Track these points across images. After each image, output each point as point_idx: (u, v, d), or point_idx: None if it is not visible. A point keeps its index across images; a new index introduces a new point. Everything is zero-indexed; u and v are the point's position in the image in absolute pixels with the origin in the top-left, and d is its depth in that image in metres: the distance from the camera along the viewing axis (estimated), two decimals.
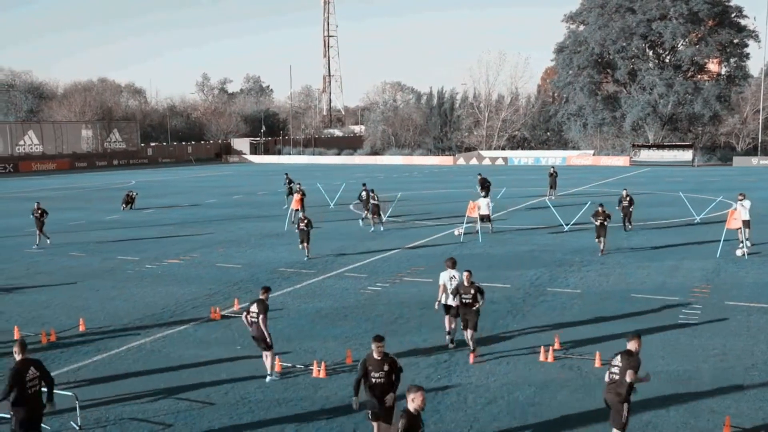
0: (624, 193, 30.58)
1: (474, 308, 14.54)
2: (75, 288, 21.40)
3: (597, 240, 25.52)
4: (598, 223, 25.21)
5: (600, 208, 25.73)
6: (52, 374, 13.89)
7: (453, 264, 15.60)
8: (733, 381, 13.22)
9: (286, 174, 43.75)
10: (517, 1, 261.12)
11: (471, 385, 13.24)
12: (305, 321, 17.55)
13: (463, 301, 14.63)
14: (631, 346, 10.46)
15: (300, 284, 21.45)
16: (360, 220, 33.65)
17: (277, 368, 14.12)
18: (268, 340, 13.46)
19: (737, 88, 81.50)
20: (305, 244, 25.10)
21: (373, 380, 10.19)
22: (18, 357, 10.04)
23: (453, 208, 38.14)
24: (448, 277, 15.28)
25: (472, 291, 14.58)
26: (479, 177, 42.35)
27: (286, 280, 22.13)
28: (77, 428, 11.56)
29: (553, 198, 42.85)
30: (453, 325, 15.31)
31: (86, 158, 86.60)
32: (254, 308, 13.61)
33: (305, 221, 25.10)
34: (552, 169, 45.55)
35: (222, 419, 11.98)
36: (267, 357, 13.70)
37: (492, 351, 15.17)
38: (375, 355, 10.26)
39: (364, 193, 34.20)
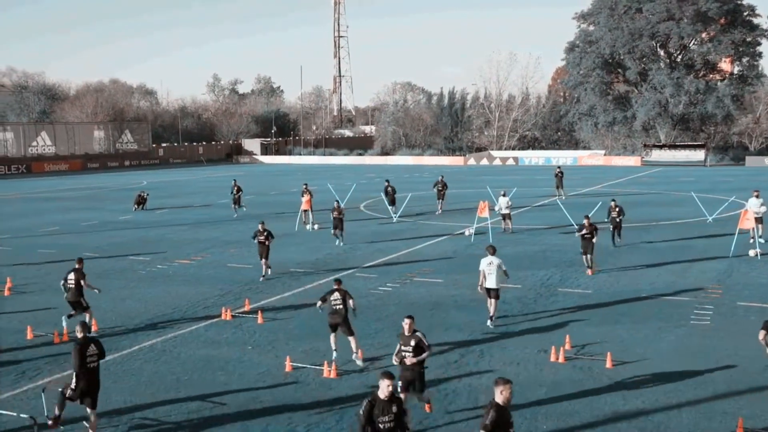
0: (612, 203, 26.74)
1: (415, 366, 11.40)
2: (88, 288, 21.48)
3: (583, 255, 22.60)
4: (583, 234, 22.31)
5: (613, 203, 26.22)
6: (66, 373, 14.04)
7: (494, 251, 17.00)
8: (745, 383, 13.14)
9: (234, 180, 40.05)
10: (528, 1, 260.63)
11: (482, 386, 13.21)
12: (316, 321, 17.54)
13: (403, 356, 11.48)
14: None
15: (310, 284, 21.49)
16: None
17: (288, 368, 14.17)
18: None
19: (750, 87, 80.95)
20: (264, 260, 22.06)
21: (381, 425, 8.64)
22: (79, 335, 11.26)
23: (463, 209, 38.09)
24: (486, 263, 16.61)
25: (413, 342, 11.40)
26: (387, 184, 38.91)
27: (297, 280, 22.17)
28: (88, 427, 11.60)
29: (563, 198, 42.71)
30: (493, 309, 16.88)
31: (98, 159, 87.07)
32: (336, 296, 14.33)
33: (264, 233, 21.88)
34: (558, 169, 45.45)
35: (233, 419, 12.01)
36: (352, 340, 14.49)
37: (503, 351, 15.14)
38: (382, 395, 8.70)
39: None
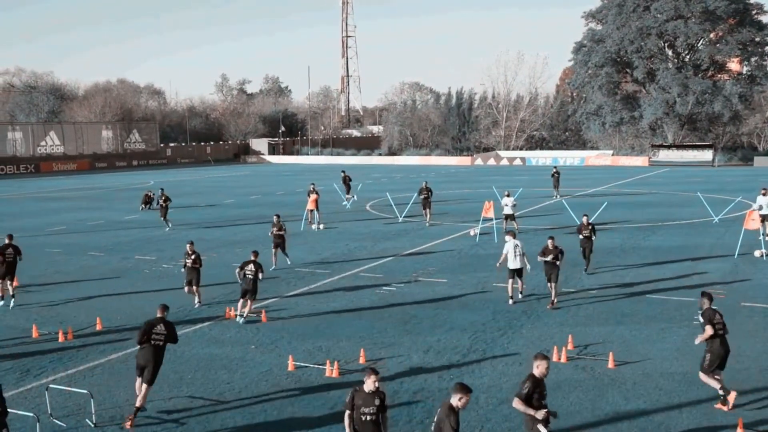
0: (584, 220, 22.47)
1: None
2: (93, 287, 21.64)
3: (548, 283, 18.81)
4: (547, 259, 18.59)
5: (584, 218, 22.39)
6: (70, 372, 14.15)
7: (514, 235, 19.58)
8: (747, 383, 13.13)
9: (161, 190, 36.64)
10: (536, 2, 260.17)
11: (483, 386, 13.25)
12: (319, 320, 17.64)
13: None
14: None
15: (315, 284, 21.55)
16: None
17: (290, 367, 14.24)
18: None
19: (759, 87, 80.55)
20: (194, 287, 19.10)
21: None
22: (159, 314, 12.26)
23: (469, 209, 38.10)
24: (512, 246, 18.81)
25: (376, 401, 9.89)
26: (342, 173, 43.17)
27: (302, 279, 22.24)
28: (92, 426, 11.71)
29: (558, 198, 42.64)
30: (512, 291, 19.03)
31: (106, 158, 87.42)
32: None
33: (192, 256, 18.96)
34: (555, 169, 45.46)
35: (235, 418, 12.08)
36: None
37: (505, 351, 15.17)
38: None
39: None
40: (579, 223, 23.06)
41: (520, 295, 19.26)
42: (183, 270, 19.74)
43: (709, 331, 11.90)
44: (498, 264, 19.72)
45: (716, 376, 12.07)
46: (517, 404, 9.35)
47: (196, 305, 18.94)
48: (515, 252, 18.68)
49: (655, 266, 23.34)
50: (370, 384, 9.09)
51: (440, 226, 33.15)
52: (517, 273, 18.87)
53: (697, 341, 12.29)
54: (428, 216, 33.78)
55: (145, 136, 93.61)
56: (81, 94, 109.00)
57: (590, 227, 22.01)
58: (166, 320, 12.36)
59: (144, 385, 11.93)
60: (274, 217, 23.93)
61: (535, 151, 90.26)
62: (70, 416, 12.07)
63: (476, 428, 11.59)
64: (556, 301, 18.62)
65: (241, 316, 17.59)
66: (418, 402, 12.63)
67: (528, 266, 18.99)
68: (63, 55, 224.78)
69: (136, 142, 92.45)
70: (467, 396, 8.45)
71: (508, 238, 19.25)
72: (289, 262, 23.83)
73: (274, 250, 23.69)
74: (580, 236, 22.45)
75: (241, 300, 17.65)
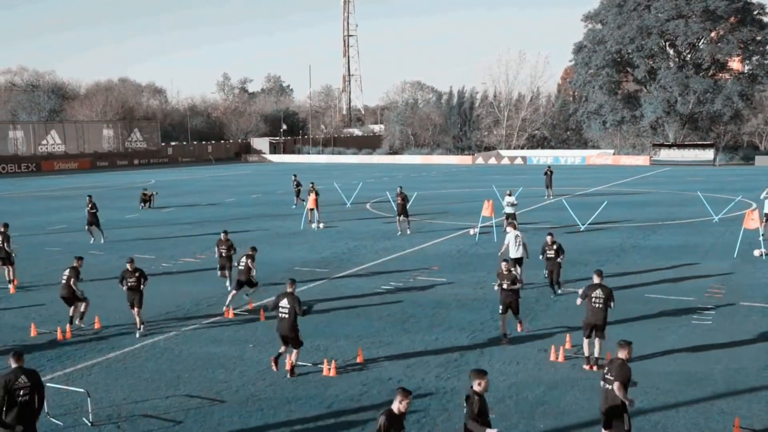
0: (548, 238, 19.86)
1: None
2: (92, 286, 21.62)
3: (501, 313, 15.84)
4: (501, 286, 15.70)
5: (549, 237, 19.60)
6: (67, 370, 14.18)
7: (515, 226, 21.17)
8: (745, 382, 13.13)
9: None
10: (538, 2, 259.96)
11: None
12: (318, 319, 17.62)
13: None
14: (622, 354, 10.17)
15: (314, 283, 21.57)
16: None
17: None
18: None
19: (760, 86, 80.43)
20: (136, 309, 16.66)
21: None
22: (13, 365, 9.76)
23: (469, 208, 38.09)
24: (513, 237, 20.13)
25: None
26: (293, 178, 41.95)
27: (300, 279, 22.21)
28: (89, 424, 11.73)
29: (551, 197, 42.57)
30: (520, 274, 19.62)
31: (107, 157, 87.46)
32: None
33: (135, 274, 16.54)
34: (547, 168, 45.42)
35: (232, 417, 12.09)
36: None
37: (503, 351, 15.17)
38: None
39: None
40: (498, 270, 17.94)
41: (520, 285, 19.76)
42: (216, 257, 20.73)
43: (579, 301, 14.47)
44: (500, 254, 20.46)
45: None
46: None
47: (137, 331, 16.61)
48: (516, 242, 20.06)
49: (654, 266, 23.33)
50: (403, 407, 8.49)
51: (440, 225, 33.14)
52: (518, 262, 19.99)
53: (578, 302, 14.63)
54: (406, 224, 30.36)
55: (146, 135, 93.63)
56: (82, 93, 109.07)
57: (555, 246, 19.24)
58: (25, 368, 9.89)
59: None
60: (222, 233, 20.84)
61: (536, 150, 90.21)
62: (68, 414, 12.09)
63: None
64: (559, 291, 19.55)
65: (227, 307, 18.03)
66: (415, 401, 12.61)
67: (528, 257, 20.36)
68: (65, 54, 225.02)
69: (138, 141, 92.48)
70: (485, 380, 9.13)
71: (509, 229, 20.96)
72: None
73: (220, 272, 20.30)
74: (542, 257, 19.81)
75: (235, 292, 18.35)
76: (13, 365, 9.69)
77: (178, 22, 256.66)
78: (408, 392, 8.57)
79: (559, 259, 19.27)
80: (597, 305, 13.96)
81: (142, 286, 16.58)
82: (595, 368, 13.81)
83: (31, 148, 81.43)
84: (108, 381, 13.74)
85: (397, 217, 30.60)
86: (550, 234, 19.92)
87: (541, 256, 20.03)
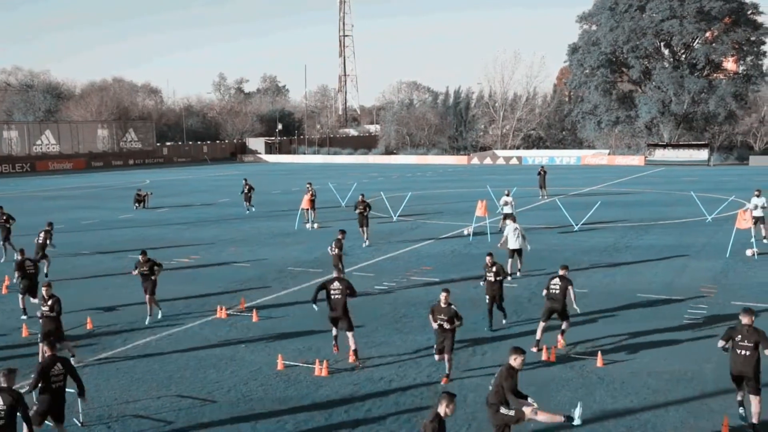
0: (488, 259, 16.94)
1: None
2: (85, 286, 21.65)
3: (436, 353, 13.90)
4: (435, 326, 13.58)
5: (488, 258, 16.92)
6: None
7: (514, 219, 22.71)
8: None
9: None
10: (534, 2, 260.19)
11: (471, 384, 13.28)
12: (310, 320, 17.59)
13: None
14: (747, 320, 11.06)
15: (307, 283, 21.55)
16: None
17: (280, 366, 14.26)
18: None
19: (754, 86, 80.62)
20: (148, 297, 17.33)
21: None
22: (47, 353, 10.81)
23: (464, 208, 38.12)
24: (512, 228, 21.37)
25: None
26: (245, 183, 39.92)
27: (294, 278, 22.26)
28: (79, 425, 11.72)
29: (546, 198, 42.61)
30: (513, 267, 21.16)
31: (102, 158, 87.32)
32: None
33: (49, 301, 14.30)
34: (541, 168, 45.47)
35: (223, 416, 12.09)
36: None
37: (495, 350, 15.19)
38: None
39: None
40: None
41: (518, 273, 21.59)
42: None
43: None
44: (499, 245, 21.90)
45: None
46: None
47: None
48: (515, 234, 21.27)
49: (647, 265, 23.38)
50: (450, 410, 8.65)
51: (434, 225, 33.17)
52: (517, 253, 21.49)
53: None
54: (365, 235, 28.22)
55: (141, 135, 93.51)
56: (77, 93, 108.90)
57: (494, 268, 16.60)
58: (60, 357, 10.83)
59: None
60: (140, 256, 18.09)
61: (531, 151, 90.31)
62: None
63: (463, 426, 11.62)
64: (504, 321, 16.90)
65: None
66: (406, 401, 12.64)
67: (528, 247, 21.87)
68: (60, 54, 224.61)
69: (133, 141, 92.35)
70: (522, 356, 9.94)
71: (508, 222, 22.40)
72: (160, 316, 17.85)
73: (147, 297, 17.81)
74: (482, 283, 17.24)
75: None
76: (48, 353, 10.67)
77: (175, 23, 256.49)
78: (453, 396, 8.67)
79: (499, 278, 16.56)
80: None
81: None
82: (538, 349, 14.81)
83: (26, 148, 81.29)
84: (99, 381, 13.73)
85: (360, 228, 28.23)
86: (490, 254, 17.10)
87: (482, 283, 17.29)
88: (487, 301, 16.76)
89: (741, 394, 11.44)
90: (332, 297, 14.54)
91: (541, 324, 15.07)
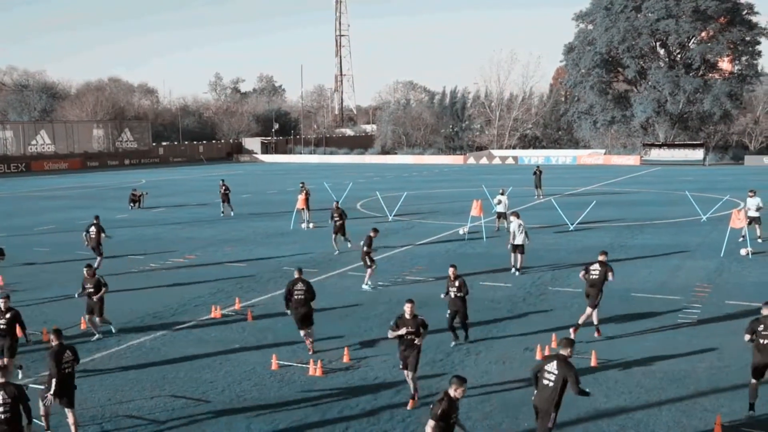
0: (451, 271, 15.78)
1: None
2: (79, 286, 21.56)
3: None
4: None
5: (451, 269, 15.84)
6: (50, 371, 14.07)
7: (518, 215, 22.74)
8: (728, 380, 13.21)
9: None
10: (532, 2, 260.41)
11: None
12: None
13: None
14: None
15: None
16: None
17: (274, 366, 14.26)
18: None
19: (749, 86, 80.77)
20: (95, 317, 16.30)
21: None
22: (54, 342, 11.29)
23: (460, 207, 38.13)
24: (517, 225, 22.01)
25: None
26: (221, 184, 38.06)
27: (289, 278, 22.11)
28: (71, 425, 11.67)
29: (541, 198, 42.61)
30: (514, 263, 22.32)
31: (98, 157, 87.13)
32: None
33: (5, 315, 13.59)
34: (536, 168, 45.53)
35: (217, 417, 12.09)
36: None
37: (489, 350, 15.21)
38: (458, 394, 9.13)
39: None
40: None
41: (517, 272, 22.26)
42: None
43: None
44: (507, 243, 22.83)
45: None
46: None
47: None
48: (519, 230, 22.04)
49: (642, 265, 23.42)
50: (459, 393, 9.15)
51: (429, 225, 33.17)
52: (519, 249, 22.30)
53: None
54: (337, 245, 26.37)
55: (137, 135, 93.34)
56: (73, 92, 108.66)
57: (457, 282, 15.53)
58: (67, 345, 11.45)
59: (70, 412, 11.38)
60: (84, 269, 16.93)
61: (527, 150, 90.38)
62: (51, 416, 12.03)
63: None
64: (470, 339, 15.75)
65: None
66: (400, 400, 12.64)
67: (528, 241, 22.54)
68: (56, 54, 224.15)
69: (128, 141, 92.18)
70: (572, 348, 10.10)
71: (512, 218, 22.83)
72: (97, 336, 16.41)
73: (88, 317, 16.52)
74: (443, 296, 16.15)
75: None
76: (55, 342, 11.23)
77: (171, 23, 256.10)
78: (464, 379, 9.22)
79: (460, 294, 15.43)
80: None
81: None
82: None
83: (21, 148, 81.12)
84: (93, 381, 13.71)
85: (334, 236, 26.41)
86: (453, 266, 15.83)
87: (443, 295, 16.13)
88: (448, 315, 15.48)
89: (754, 395, 11.73)
90: (296, 297, 15.04)
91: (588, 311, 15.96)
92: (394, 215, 35.21)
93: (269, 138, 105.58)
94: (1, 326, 13.40)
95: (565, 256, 25.09)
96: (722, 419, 11.29)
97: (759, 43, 79.69)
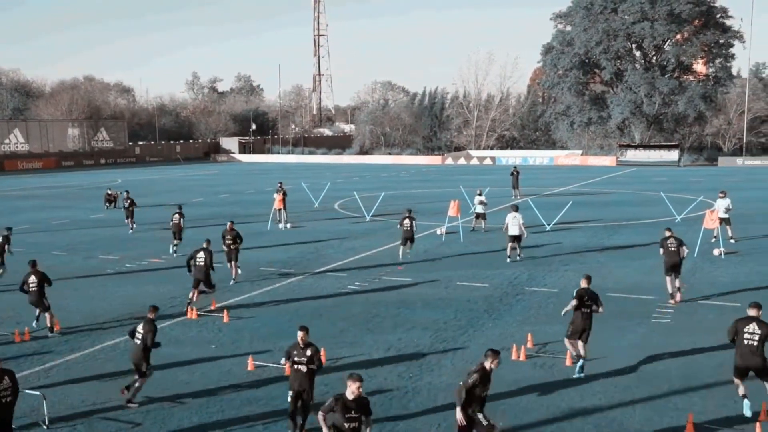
0: (300, 335, 11.48)
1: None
2: (54, 287, 21.27)
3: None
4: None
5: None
6: (24, 373, 13.96)
7: (516, 209, 23.93)
8: (700, 379, 13.38)
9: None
10: (509, 2, 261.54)
11: (442, 384, 13.34)
12: (282, 320, 17.60)
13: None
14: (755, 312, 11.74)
15: (279, 283, 21.51)
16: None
17: (250, 367, 14.21)
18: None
19: (723, 88, 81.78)
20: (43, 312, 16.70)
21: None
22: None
23: (437, 208, 38.21)
24: (511, 217, 23.53)
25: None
26: (126, 194, 34.82)
27: (266, 279, 22.17)
28: (45, 427, 11.58)
29: (518, 198, 42.85)
30: (510, 253, 24.01)
31: (73, 157, 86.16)
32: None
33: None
34: (514, 169, 45.86)
35: (192, 418, 12.03)
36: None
37: (465, 350, 15.27)
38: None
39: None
40: None
41: (518, 258, 24.04)
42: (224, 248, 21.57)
43: (573, 303, 13.95)
44: (503, 230, 24.24)
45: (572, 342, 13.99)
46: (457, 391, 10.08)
47: (231, 282, 21.12)
48: (514, 222, 23.37)
49: (617, 265, 23.63)
50: (495, 365, 10.13)
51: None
52: (516, 240, 23.66)
53: (563, 311, 14.45)
54: (234, 271, 21.81)
55: (113, 135, 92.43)
56: (47, 91, 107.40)
57: (309, 351, 11.25)
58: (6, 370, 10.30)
59: None
60: (30, 267, 17.28)
61: (505, 151, 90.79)
62: (24, 417, 11.91)
63: (433, 427, 11.67)
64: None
65: (190, 302, 18.40)
66: (377, 401, 12.65)
67: (525, 234, 23.92)
68: (30, 52, 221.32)
69: (104, 140, 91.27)
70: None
71: (512, 212, 23.82)
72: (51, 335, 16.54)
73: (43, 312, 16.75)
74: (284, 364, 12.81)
75: (194, 290, 18.50)
76: None
77: (149, 22, 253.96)
78: (497, 352, 10.13)
79: (312, 366, 11.15)
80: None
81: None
82: None
83: None
84: (66, 383, 13.57)
85: (228, 263, 21.99)
86: (303, 329, 11.68)
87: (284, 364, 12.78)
88: (290, 399, 11.21)
89: (744, 388, 11.65)
90: (197, 264, 18.07)
91: (667, 278, 18.66)
92: (372, 215, 35.21)
93: (247, 138, 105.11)
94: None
95: (541, 256, 25.25)
96: (694, 418, 11.43)
97: (732, 45, 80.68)
